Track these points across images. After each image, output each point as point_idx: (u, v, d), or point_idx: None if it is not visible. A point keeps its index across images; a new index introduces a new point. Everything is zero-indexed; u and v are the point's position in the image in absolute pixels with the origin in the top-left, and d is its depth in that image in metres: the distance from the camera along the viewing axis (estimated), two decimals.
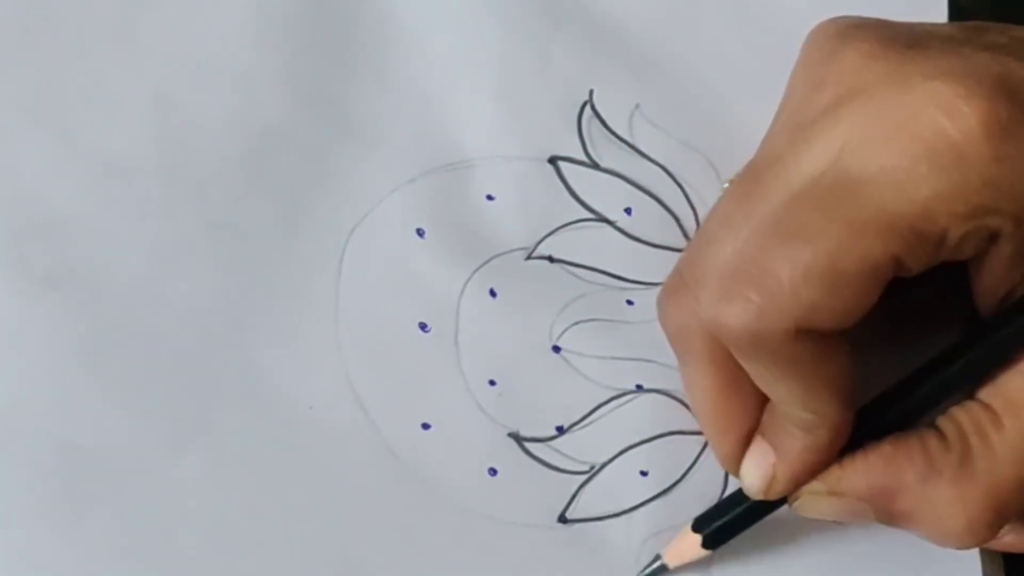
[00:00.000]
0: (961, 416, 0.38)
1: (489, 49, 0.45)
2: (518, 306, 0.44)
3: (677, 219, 0.45)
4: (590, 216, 0.45)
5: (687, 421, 0.43)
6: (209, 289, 0.43)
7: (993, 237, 0.37)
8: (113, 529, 0.40)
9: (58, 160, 0.43)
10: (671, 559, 0.42)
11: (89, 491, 0.41)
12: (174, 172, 0.44)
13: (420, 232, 0.44)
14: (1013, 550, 0.43)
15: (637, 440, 0.43)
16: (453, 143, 0.45)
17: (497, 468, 0.43)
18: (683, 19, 0.46)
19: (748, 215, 0.38)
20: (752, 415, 0.40)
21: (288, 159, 0.44)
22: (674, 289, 0.40)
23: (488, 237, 0.44)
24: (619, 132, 0.45)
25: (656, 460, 0.43)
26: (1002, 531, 0.42)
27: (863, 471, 0.39)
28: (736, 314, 0.36)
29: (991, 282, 0.38)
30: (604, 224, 0.45)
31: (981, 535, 0.38)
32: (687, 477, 0.43)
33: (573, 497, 0.43)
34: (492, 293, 0.44)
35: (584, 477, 0.43)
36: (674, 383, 0.44)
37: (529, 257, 0.45)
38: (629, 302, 0.44)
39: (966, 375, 0.39)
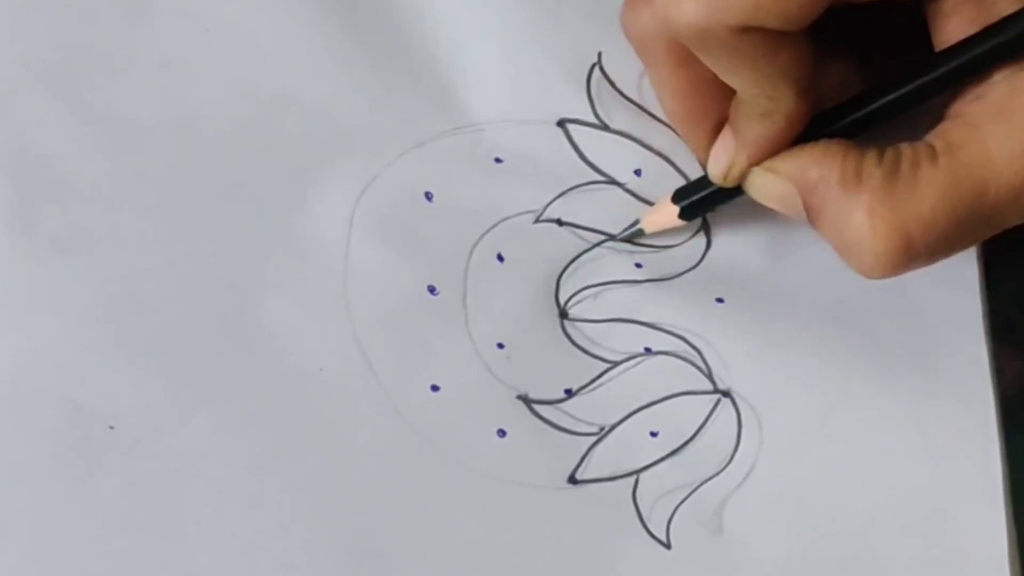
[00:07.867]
0: (905, 146, 0.40)
1: (498, 12, 0.45)
2: (526, 270, 0.44)
3: (687, 179, 0.45)
4: (599, 179, 0.45)
5: (697, 382, 0.44)
6: (218, 252, 0.43)
7: None
8: (122, 490, 0.40)
9: (68, 124, 0.43)
10: (649, 225, 0.44)
11: (99, 452, 0.41)
12: (183, 136, 0.44)
13: (428, 195, 0.44)
14: None
15: (647, 402, 0.43)
16: (462, 106, 0.45)
17: (506, 430, 0.43)
18: None
19: None
20: (718, 109, 0.42)
21: (297, 123, 0.44)
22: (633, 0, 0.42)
23: (497, 200, 0.44)
24: (628, 94, 0.45)
25: (666, 421, 0.43)
26: None
27: (799, 156, 0.40)
28: (685, 10, 0.38)
29: (947, 28, 0.40)
30: (613, 186, 0.45)
31: (881, 260, 0.39)
32: (697, 437, 0.43)
33: (583, 458, 0.43)
34: (500, 258, 0.44)
35: (594, 438, 0.43)
36: (682, 346, 0.44)
37: (538, 220, 0.45)
38: (638, 264, 0.45)
39: (915, 96, 0.40)
